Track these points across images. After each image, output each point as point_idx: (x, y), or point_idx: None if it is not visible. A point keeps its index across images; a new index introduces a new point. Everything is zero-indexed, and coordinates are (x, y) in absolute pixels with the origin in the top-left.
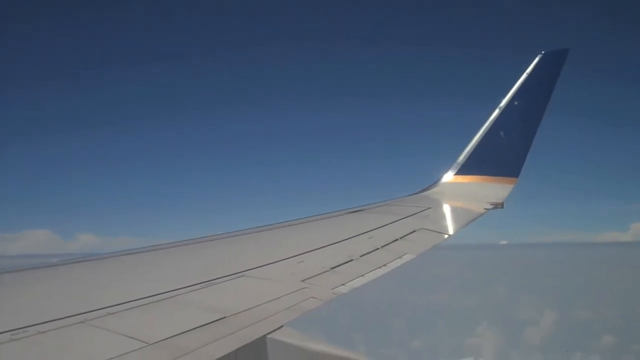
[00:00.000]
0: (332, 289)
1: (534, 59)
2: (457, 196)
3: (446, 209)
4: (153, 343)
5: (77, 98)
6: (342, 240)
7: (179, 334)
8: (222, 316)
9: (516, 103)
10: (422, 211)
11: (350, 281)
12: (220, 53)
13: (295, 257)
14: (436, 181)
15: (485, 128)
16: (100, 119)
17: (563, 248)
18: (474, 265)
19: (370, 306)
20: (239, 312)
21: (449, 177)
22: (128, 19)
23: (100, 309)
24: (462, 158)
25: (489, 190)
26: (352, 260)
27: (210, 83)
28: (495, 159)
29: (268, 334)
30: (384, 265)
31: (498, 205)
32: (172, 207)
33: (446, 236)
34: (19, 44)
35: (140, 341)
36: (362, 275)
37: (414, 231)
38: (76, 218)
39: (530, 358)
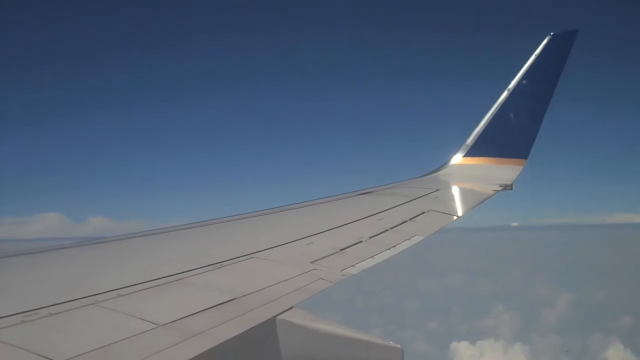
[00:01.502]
0: (342, 270)
1: (543, 40)
2: (466, 178)
3: (455, 190)
4: (163, 324)
5: (90, 82)
6: (351, 222)
7: (189, 316)
8: (232, 298)
9: (525, 84)
10: (431, 193)
11: (359, 263)
12: (225, 37)
13: (304, 239)
14: (445, 163)
15: (494, 110)
16: (112, 103)
17: (575, 229)
18: (487, 247)
19: (384, 289)
20: (248, 294)
21: (457, 159)
22: (132, 8)
23: (111, 290)
24: (470, 140)
25: (498, 171)
26: (361, 241)
27: (216, 67)
28: (504, 140)
29: (278, 315)
30: (393, 246)
31: (507, 187)
32: (182, 191)
33: (455, 218)
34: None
35: (151, 322)
36: (372, 257)
37: (423, 213)
38: (88, 202)
39: (548, 339)
